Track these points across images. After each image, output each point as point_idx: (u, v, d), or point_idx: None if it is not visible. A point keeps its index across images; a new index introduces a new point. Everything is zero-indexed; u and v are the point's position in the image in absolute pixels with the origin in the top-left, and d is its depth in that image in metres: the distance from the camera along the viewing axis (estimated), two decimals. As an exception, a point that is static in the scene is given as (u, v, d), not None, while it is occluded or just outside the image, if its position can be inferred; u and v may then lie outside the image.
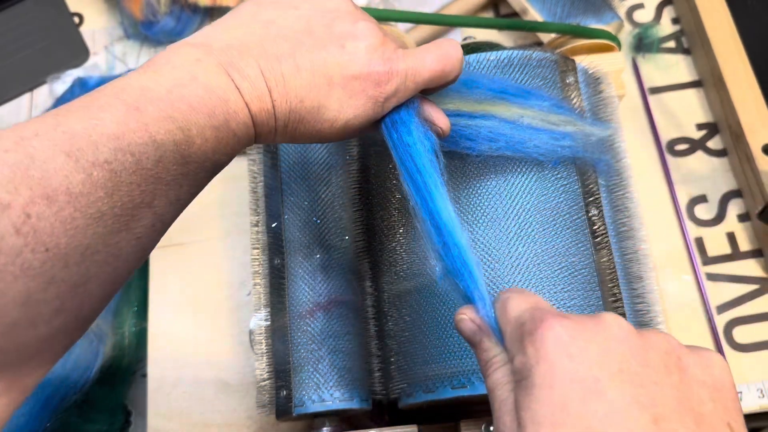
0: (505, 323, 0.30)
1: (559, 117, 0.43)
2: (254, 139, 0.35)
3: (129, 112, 0.29)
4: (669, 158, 0.63)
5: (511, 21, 0.64)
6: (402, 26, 0.69)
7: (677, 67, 0.66)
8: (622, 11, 0.68)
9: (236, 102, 0.32)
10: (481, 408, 0.49)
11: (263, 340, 0.49)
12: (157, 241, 0.32)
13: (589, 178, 0.45)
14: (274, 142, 0.40)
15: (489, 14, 0.71)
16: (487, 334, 0.32)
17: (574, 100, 0.47)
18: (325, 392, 0.46)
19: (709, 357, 0.28)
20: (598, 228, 0.44)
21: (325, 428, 0.47)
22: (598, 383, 0.25)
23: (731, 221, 0.60)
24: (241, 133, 0.33)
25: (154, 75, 0.31)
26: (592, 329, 0.27)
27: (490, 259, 0.42)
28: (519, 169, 0.44)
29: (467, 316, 0.33)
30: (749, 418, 0.54)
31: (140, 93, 0.30)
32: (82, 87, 0.66)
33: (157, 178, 0.30)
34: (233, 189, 0.63)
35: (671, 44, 0.67)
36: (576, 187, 0.45)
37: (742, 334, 0.56)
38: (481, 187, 0.44)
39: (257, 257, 0.51)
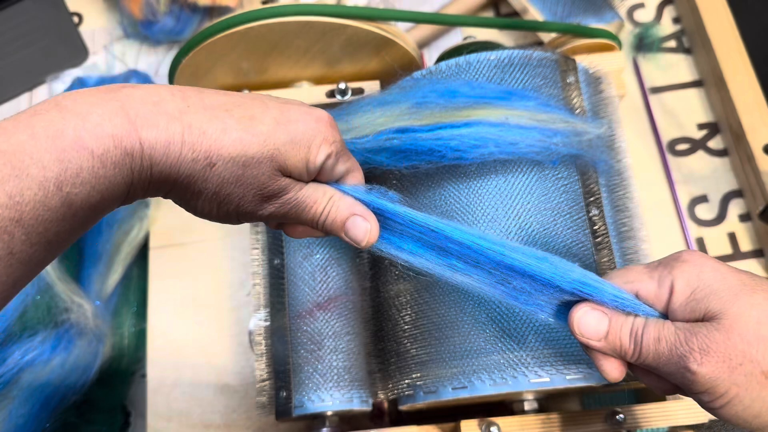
0: (638, 275, 0.34)
1: (548, 115, 0.43)
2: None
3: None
4: (670, 158, 0.63)
5: (512, 20, 0.64)
6: (402, 26, 0.68)
7: (678, 67, 0.66)
8: (622, 11, 0.68)
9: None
10: (481, 409, 0.49)
11: (263, 341, 0.49)
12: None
13: (590, 178, 0.45)
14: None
15: (489, 14, 0.70)
16: (615, 312, 0.34)
17: (575, 100, 0.47)
18: (324, 393, 0.46)
19: None
20: (598, 228, 0.44)
21: (324, 429, 0.47)
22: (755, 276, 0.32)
23: (732, 221, 0.60)
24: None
25: None
26: None
27: (490, 259, 0.42)
28: (519, 169, 0.44)
29: (589, 307, 0.34)
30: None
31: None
32: (81, 86, 0.66)
33: None
34: (233, 189, 0.63)
35: (672, 44, 0.67)
36: (577, 187, 0.45)
37: (743, 334, 0.56)
38: (481, 187, 0.44)
39: (257, 257, 0.51)
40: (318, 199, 0.35)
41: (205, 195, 0.32)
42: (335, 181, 0.37)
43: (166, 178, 0.30)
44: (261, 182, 0.32)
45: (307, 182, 0.35)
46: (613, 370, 0.34)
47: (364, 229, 0.36)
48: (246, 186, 0.32)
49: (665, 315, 0.33)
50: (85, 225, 0.30)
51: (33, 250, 0.27)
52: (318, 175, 0.35)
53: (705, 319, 0.31)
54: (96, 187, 0.28)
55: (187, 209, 0.34)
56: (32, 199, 0.26)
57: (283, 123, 0.33)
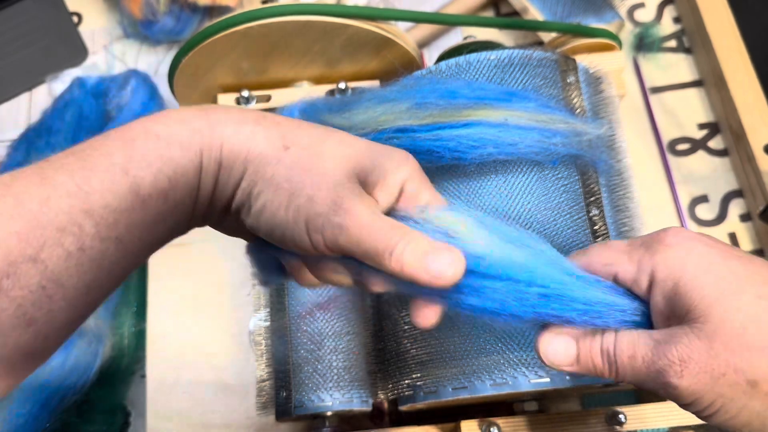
0: (618, 255, 0.31)
1: (548, 116, 0.43)
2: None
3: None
4: (670, 158, 0.63)
5: (512, 20, 0.64)
6: (402, 26, 0.68)
7: (678, 67, 0.66)
8: (622, 10, 0.68)
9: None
10: (481, 409, 0.49)
11: (263, 341, 0.49)
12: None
13: (590, 178, 0.45)
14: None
15: (489, 13, 0.70)
16: (580, 333, 0.31)
17: (575, 100, 0.47)
18: (324, 393, 0.46)
19: None
20: (599, 228, 0.44)
21: (324, 429, 0.47)
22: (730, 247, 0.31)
23: (733, 221, 0.60)
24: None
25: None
26: None
27: (490, 259, 0.42)
28: (520, 169, 0.44)
29: (552, 333, 0.31)
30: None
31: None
32: (81, 86, 0.66)
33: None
34: (233, 189, 0.63)
35: (672, 43, 0.67)
36: (577, 186, 0.45)
37: (743, 334, 0.56)
38: (481, 187, 0.44)
39: (257, 257, 0.51)
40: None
41: (277, 181, 0.29)
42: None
43: (236, 156, 0.29)
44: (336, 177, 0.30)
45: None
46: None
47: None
48: (319, 174, 0.29)
49: (645, 301, 0.31)
50: (156, 225, 0.28)
51: (104, 246, 0.27)
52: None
53: (687, 317, 0.29)
54: (162, 170, 0.27)
55: (252, 211, 0.30)
56: (100, 186, 0.26)
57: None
